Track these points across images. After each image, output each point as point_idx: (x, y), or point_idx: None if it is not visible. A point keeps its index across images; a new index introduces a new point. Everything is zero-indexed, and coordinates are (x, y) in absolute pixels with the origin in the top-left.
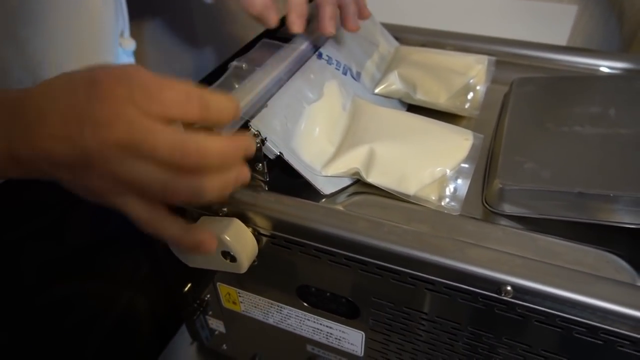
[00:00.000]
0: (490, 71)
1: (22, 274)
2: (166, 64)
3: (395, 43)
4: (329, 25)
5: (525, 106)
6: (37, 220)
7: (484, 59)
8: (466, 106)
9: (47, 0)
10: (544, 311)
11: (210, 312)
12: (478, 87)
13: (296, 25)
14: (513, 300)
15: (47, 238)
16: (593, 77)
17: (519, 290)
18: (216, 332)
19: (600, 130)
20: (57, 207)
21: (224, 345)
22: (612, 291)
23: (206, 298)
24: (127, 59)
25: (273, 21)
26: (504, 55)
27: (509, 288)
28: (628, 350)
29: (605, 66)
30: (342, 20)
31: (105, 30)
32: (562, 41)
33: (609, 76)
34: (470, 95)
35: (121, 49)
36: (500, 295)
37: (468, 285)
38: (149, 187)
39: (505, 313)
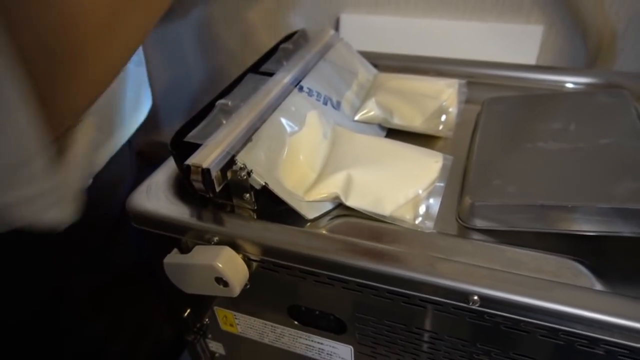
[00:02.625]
0: (462, 93)
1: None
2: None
3: (374, 70)
4: None
5: (495, 125)
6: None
7: (455, 82)
8: (440, 128)
9: None
10: (509, 317)
11: (210, 336)
12: (450, 109)
13: None
14: (480, 309)
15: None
16: (557, 94)
17: (485, 299)
18: (217, 355)
19: (562, 145)
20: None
21: None
22: (568, 295)
23: (205, 322)
24: (133, 65)
25: None
26: (477, 77)
27: (475, 297)
28: (586, 349)
29: (571, 82)
30: None
31: None
32: (532, 60)
33: (572, 92)
34: (443, 118)
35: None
36: (469, 304)
37: (440, 297)
38: None
39: (476, 321)
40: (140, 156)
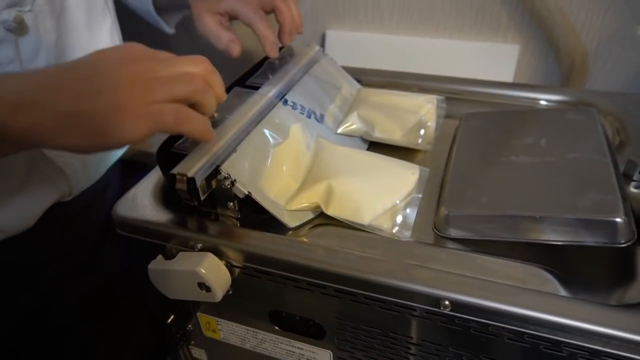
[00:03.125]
0: (441, 108)
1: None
2: None
3: (357, 85)
4: (272, 51)
5: (471, 139)
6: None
7: (433, 98)
8: (419, 141)
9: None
10: (479, 321)
11: (192, 342)
12: (429, 124)
13: (274, 51)
14: (451, 313)
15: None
16: (531, 111)
17: (455, 304)
18: None
19: (532, 159)
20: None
21: None
22: (533, 300)
23: (188, 328)
24: None
25: (236, 52)
26: (456, 92)
27: (446, 302)
28: (550, 351)
29: (544, 99)
30: (279, 34)
31: None
32: (509, 77)
33: (544, 109)
34: (422, 132)
35: None
36: (440, 309)
37: (414, 302)
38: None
39: (448, 325)
40: (125, 165)
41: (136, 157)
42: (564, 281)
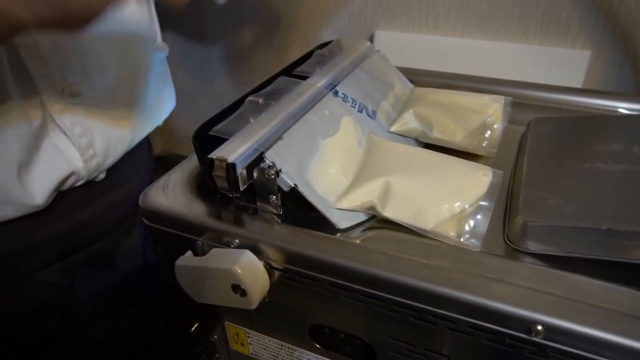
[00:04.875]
0: (506, 111)
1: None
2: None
3: (410, 85)
4: None
5: (544, 144)
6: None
7: (501, 98)
8: (484, 144)
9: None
10: (579, 354)
11: (216, 356)
12: (495, 126)
13: None
14: (544, 342)
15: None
16: (612, 116)
17: (550, 330)
18: None
19: (625, 167)
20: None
21: None
22: None
23: (213, 339)
24: (160, 63)
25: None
26: (520, 97)
27: (539, 327)
28: None
29: (623, 107)
30: None
31: (141, 37)
32: (577, 85)
33: (628, 115)
34: (487, 134)
35: (155, 53)
36: (530, 335)
37: (494, 325)
38: None
39: (536, 356)
40: (158, 161)
41: (169, 155)
42: None
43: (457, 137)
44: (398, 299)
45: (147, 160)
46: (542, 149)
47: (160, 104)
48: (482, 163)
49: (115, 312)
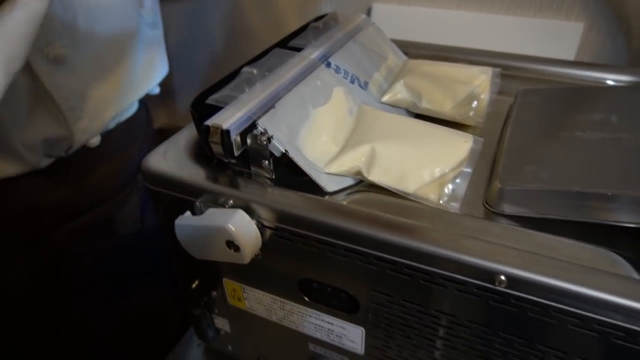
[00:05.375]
0: (495, 82)
1: (72, 267)
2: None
3: (404, 57)
4: None
5: (529, 114)
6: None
7: (488, 69)
8: (470, 114)
9: None
10: (539, 302)
11: (216, 311)
12: (482, 96)
13: None
14: (507, 291)
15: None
16: (597, 88)
17: (512, 280)
18: (222, 332)
19: (602, 135)
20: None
21: (229, 346)
22: (606, 282)
23: (213, 295)
24: (148, 28)
25: None
26: (510, 69)
27: (502, 278)
28: (624, 343)
29: (612, 79)
30: None
31: (128, 1)
32: (570, 57)
33: (613, 87)
34: (474, 104)
35: (142, 19)
36: (494, 285)
37: (463, 276)
38: None
39: (500, 304)
40: (162, 134)
41: (173, 128)
42: (639, 267)
43: (445, 108)
44: (377, 253)
45: (146, 130)
46: (526, 119)
47: (150, 69)
48: (470, 133)
49: (115, 277)
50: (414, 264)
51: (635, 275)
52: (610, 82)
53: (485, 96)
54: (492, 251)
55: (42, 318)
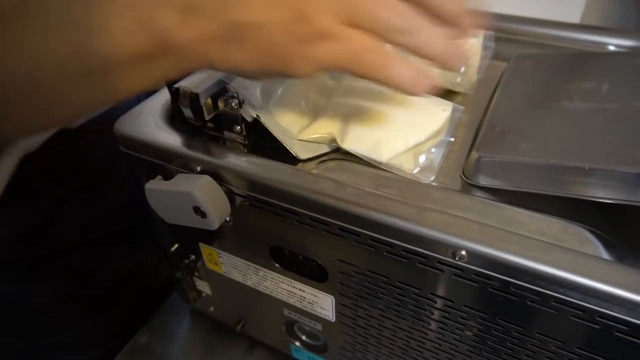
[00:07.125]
0: (488, 47)
1: (60, 230)
2: None
3: None
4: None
5: (519, 81)
6: (77, 180)
7: (480, 32)
8: (458, 80)
9: None
10: (499, 278)
11: (196, 274)
12: (471, 61)
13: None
14: (467, 266)
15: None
16: (595, 54)
17: (473, 255)
18: (203, 294)
19: (589, 105)
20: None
21: (211, 308)
22: (566, 259)
23: (192, 259)
24: None
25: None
26: (510, 32)
27: (462, 252)
28: (581, 320)
29: (614, 44)
30: None
31: None
32: (575, 21)
33: (612, 52)
34: (462, 69)
35: None
36: (454, 259)
37: (424, 249)
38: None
39: (462, 279)
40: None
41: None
42: (609, 245)
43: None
44: (341, 223)
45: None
46: (516, 86)
47: None
48: (460, 101)
49: (101, 240)
50: (376, 235)
51: (602, 252)
52: (611, 47)
53: (475, 61)
54: (454, 224)
55: (28, 278)
